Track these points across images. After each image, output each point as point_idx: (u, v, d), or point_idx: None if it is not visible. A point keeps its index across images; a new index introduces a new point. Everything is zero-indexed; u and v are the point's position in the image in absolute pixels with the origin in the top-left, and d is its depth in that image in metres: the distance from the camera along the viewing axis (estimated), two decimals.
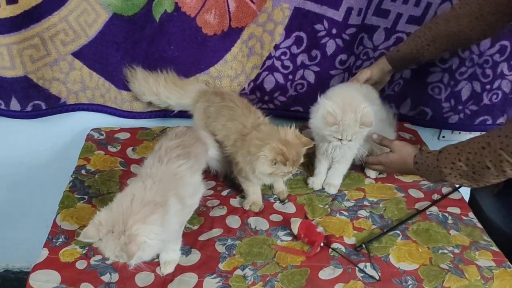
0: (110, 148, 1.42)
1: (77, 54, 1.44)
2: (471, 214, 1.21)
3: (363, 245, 1.07)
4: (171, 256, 1.02)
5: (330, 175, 1.30)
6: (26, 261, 1.86)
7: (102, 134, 1.49)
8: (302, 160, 1.13)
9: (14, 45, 1.37)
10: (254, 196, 1.20)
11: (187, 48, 1.44)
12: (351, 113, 1.12)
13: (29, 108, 1.51)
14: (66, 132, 1.60)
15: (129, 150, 1.41)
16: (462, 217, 1.20)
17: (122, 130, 1.52)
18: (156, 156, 1.03)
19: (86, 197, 1.21)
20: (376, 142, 1.25)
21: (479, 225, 1.17)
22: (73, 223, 1.11)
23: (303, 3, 1.40)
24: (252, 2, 1.38)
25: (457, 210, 1.22)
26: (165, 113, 1.57)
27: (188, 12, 1.38)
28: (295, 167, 1.11)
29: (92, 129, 1.52)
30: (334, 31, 1.45)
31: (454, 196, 1.26)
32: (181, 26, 1.40)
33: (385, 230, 1.13)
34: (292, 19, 1.42)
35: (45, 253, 1.03)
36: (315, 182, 1.30)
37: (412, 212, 1.20)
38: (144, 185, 0.94)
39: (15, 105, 1.49)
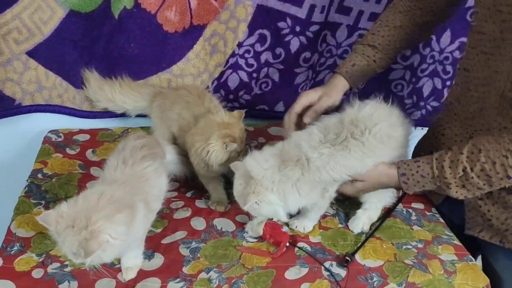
0: (68, 151, 1.36)
1: (32, 53, 1.38)
2: (434, 210, 1.23)
3: (349, 259, 1.03)
4: (133, 261, 0.99)
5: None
6: None
7: (60, 136, 1.43)
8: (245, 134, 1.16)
9: None
10: (216, 194, 1.19)
11: (147, 46, 1.40)
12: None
13: None
14: (22, 135, 1.52)
15: (89, 152, 1.37)
16: (426, 212, 1.22)
17: (82, 131, 1.47)
18: (120, 157, 0.99)
19: (43, 202, 1.16)
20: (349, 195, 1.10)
21: (441, 220, 1.19)
22: (29, 230, 1.06)
23: (266, 1, 1.39)
24: None
25: (420, 206, 1.23)
26: None
27: (148, 8, 1.34)
28: (243, 143, 1.12)
29: (49, 131, 1.46)
30: (297, 28, 1.44)
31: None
32: (141, 23, 1.36)
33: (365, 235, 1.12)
34: (255, 16, 1.41)
35: None
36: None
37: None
38: (112, 186, 0.91)
39: None
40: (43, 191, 1.19)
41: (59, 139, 1.42)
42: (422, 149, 1.25)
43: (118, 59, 1.41)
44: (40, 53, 1.38)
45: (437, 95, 1.64)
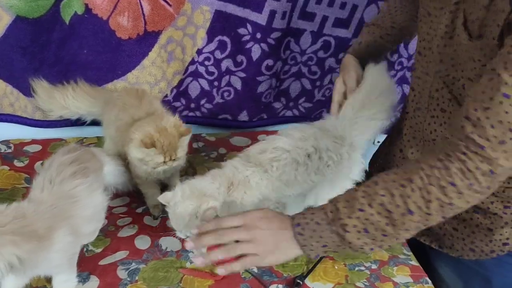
0: (16, 163, 1.30)
1: None
2: None
3: (301, 281, 0.97)
4: (65, 286, 0.93)
5: None
6: None
7: (10, 147, 1.37)
8: (182, 152, 1.08)
9: None
10: (153, 198, 1.14)
11: (101, 53, 1.34)
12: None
13: None
14: None
15: (37, 165, 1.30)
16: None
17: (34, 142, 1.41)
18: (47, 175, 0.93)
19: None
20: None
21: None
22: None
23: (224, 6, 1.33)
24: (169, 4, 1.29)
25: None
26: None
27: (99, 14, 1.28)
28: (168, 157, 1.06)
29: (0, 141, 1.40)
30: (258, 35, 1.38)
31: None
32: (93, 29, 1.30)
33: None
34: (214, 22, 1.35)
35: None
36: None
37: None
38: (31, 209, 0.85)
39: None
40: None
41: (9, 150, 1.36)
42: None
43: (70, 65, 1.35)
44: None
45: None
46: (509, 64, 0.69)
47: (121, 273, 0.98)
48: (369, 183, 0.81)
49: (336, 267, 1.03)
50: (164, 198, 0.96)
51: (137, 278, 0.98)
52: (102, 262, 1.01)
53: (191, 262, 1.03)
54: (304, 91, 1.56)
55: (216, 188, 0.97)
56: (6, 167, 1.28)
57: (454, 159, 0.74)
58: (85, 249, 1.03)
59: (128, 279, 0.97)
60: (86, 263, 0.99)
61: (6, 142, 1.39)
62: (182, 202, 0.93)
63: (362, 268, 1.03)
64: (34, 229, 0.81)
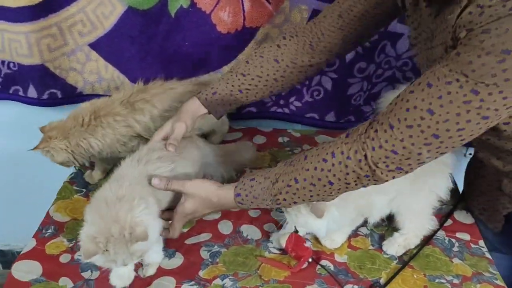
0: None
1: (93, 46, 1.45)
2: (481, 243, 1.11)
3: None
4: (153, 258, 1.00)
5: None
6: None
7: None
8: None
9: (32, 34, 1.40)
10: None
11: (201, 45, 1.41)
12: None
13: (45, 96, 1.53)
14: None
15: None
16: (471, 244, 1.11)
17: None
18: (136, 156, 1.01)
19: (84, 190, 1.22)
20: (161, 189, 0.98)
21: (487, 255, 1.08)
22: (64, 215, 1.12)
23: (322, 6, 1.34)
24: (268, 2, 1.33)
25: (466, 237, 1.13)
26: None
27: (203, 8, 1.35)
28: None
29: None
30: None
31: (466, 220, 1.17)
32: (197, 22, 1.37)
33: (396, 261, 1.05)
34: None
35: (32, 243, 1.04)
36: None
37: None
38: (113, 185, 0.93)
39: (32, 92, 1.53)
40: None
41: None
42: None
43: (173, 56, 1.44)
44: (101, 46, 1.45)
45: None
46: (450, 62, 0.72)
47: (204, 254, 1.04)
48: (298, 157, 0.89)
49: (415, 276, 1.01)
50: None
51: (217, 260, 1.03)
52: (187, 242, 1.07)
53: (269, 252, 1.06)
54: None
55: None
56: None
57: (366, 135, 0.81)
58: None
59: (210, 260, 1.02)
60: (173, 241, 1.06)
61: None
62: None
63: (443, 280, 1.00)
64: (127, 194, 0.90)
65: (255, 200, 0.92)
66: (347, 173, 0.83)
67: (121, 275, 0.95)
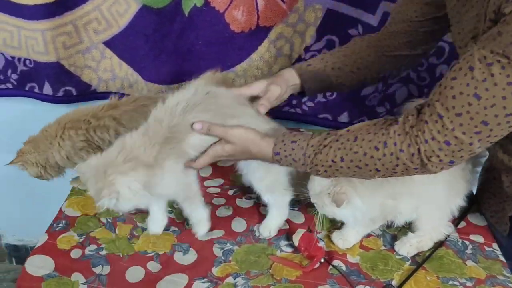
0: None
1: (108, 43, 1.47)
2: (495, 245, 1.10)
3: None
4: (197, 215, 1.04)
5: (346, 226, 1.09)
6: None
7: None
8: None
9: (48, 31, 1.41)
10: None
11: (214, 44, 1.42)
12: None
13: (60, 93, 1.55)
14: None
15: None
16: (485, 247, 1.10)
17: None
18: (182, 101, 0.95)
19: None
20: (202, 133, 0.94)
21: (501, 258, 1.07)
22: (76, 210, 1.13)
23: (337, 5, 1.34)
24: (282, 1, 1.33)
25: (480, 239, 1.12)
26: None
27: (217, 7, 1.36)
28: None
29: None
30: None
31: (479, 222, 1.16)
32: (210, 21, 1.38)
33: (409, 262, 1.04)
34: (325, 21, 1.37)
35: (44, 238, 1.05)
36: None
37: None
38: (139, 137, 0.93)
39: (47, 89, 1.55)
40: None
41: None
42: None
43: (186, 55, 1.45)
44: (116, 44, 1.46)
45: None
46: (487, 43, 0.71)
47: (217, 251, 1.04)
48: (347, 135, 0.87)
49: (428, 278, 1.00)
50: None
51: (230, 258, 1.03)
52: (201, 238, 1.07)
53: (281, 251, 1.06)
54: (411, 97, 1.51)
55: None
56: None
57: (417, 128, 0.79)
58: (185, 223, 1.10)
59: (223, 258, 1.03)
60: (187, 236, 1.07)
61: None
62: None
63: (456, 283, 0.99)
64: (145, 159, 0.91)
65: (294, 162, 0.92)
66: (397, 165, 0.82)
67: (155, 220, 1.04)
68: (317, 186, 0.99)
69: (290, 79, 1.07)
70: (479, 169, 1.15)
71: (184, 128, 0.94)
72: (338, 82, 1.10)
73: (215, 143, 0.97)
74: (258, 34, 1.38)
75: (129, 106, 1.19)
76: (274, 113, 1.54)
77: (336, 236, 1.07)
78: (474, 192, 1.22)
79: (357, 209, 0.98)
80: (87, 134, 1.14)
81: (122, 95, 1.43)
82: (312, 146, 0.90)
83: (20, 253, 2.12)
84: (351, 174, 0.89)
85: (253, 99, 1.04)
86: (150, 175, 0.91)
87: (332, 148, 0.87)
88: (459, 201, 1.08)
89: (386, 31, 1.12)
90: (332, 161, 0.87)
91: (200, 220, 1.05)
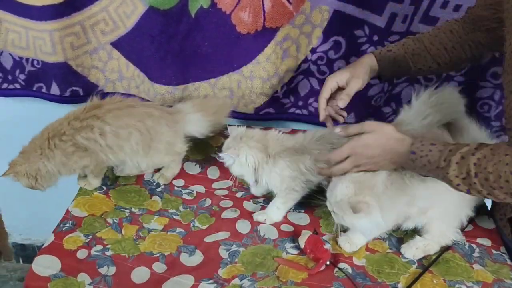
0: None
1: (115, 44, 1.47)
2: (502, 249, 1.09)
3: None
4: (272, 211, 1.15)
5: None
6: None
7: None
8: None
9: (56, 32, 1.42)
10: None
11: (221, 45, 1.42)
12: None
13: (67, 94, 1.56)
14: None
15: None
16: (492, 250, 1.09)
17: None
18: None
19: (104, 187, 1.23)
20: (343, 136, 1.03)
21: (509, 262, 1.06)
22: (83, 211, 1.13)
23: (343, 6, 1.33)
24: (289, 2, 1.33)
25: (487, 242, 1.11)
26: None
27: (223, 8, 1.35)
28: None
29: None
30: (375, 38, 1.37)
31: (487, 225, 1.15)
32: (217, 22, 1.38)
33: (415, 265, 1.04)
34: (331, 22, 1.36)
35: (51, 238, 1.05)
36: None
37: None
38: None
39: (55, 89, 1.55)
40: (105, 177, 1.25)
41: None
42: None
43: (192, 57, 1.45)
44: (123, 45, 1.46)
45: None
46: None
47: (223, 253, 1.04)
48: (486, 153, 0.85)
49: (434, 281, 0.99)
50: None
51: (236, 260, 1.03)
52: (207, 239, 1.08)
53: (287, 253, 1.06)
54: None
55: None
56: None
57: None
58: (192, 225, 1.11)
59: (229, 259, 1.03)
60: (193, 237, 1.07)
61: None
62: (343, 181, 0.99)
63: (463, 286, 0.99)
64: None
65: (428, 164, 0.90)
66: None
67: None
68: (339, 194, 0.98)
69: (370, 67, 1.12)
70: None
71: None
72: (416, 68, 1.14)
73: (347, 142, 1.01)
74: (265, 35, 1.38)
75: (114, 105, 1.20)
76: (281, 115, 1.56)
77: (343, 240, 1.07)
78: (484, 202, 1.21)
79: (375, 222, 0.97)
80: (73, 138, 1.14)
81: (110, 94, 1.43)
82: (449, 149, 0.89)
83: (27, 252, 2.13)
84: (483, 193, 0.87)
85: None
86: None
87: (468, 162, 0.86)
88: (468, 211, 1.09)
89: (470, 15, 1.12)
90: (467, 173, 0.86)
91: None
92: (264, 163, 1.12)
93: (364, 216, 0.95)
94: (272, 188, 1.16)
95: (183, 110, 1.31)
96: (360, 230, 1.03)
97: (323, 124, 1.53)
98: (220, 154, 1.11)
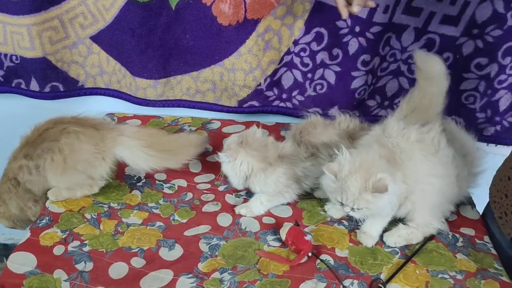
0: None
1: (95, 38, 1.44)
2: (486, 238, 1.09)
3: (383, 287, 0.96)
4: (255, 204, 1.15)
5: (367, 223, 1.07)
6: None
7: (114, 119, 1.49)
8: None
9: (33, 26, 1.39)
10: None
11: (202, 38, 1.40)
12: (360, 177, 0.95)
13: (47, 89, 1.53)
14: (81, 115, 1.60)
15: None
16: (476, 239, 1.08)
17: (135, 117, 1.52)
18: None
19: None
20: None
21: (493, 251, 1.05)
22: (60, 207, 1.11)
23: None
24: None
25: (471, 232, 1.10)
26: (178, 103, 1.54)
27: (204, 0, 1.34)
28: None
29: (106, 114, 1.52)
30: (357, 28, 1.36)
31: (471, 215, 1.15)
32: (197, 14, 1.36)
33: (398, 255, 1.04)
34: (313, 13, 1.35)
35: (27, 234, 1.03)
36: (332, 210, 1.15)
37: None
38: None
39: (34, 85, 1.52)
40: None
41: (113, 122, 1.47)
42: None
43: (173, 49, 1.43)
44: (103, 39, 1.44)
45: None
46: None
47: (203, 246, 1.03)
48: None
49: (417, 272, 0.98)
50: (330, 169, 0.98)
51: (217, 253, 1.01)
52: (187, 233, 1.06)
53: (269, 245, 1.04)
54: (402, 90, 1.50)
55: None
56: None
57: None
58: (172, 219, 1.09)
59: (209, 253, 1.01)
60: (173, 231, 1.05)
61: (111, 115, 1.51)
62: (350, 176, 0.95)
63: (446, 276, 0.98)
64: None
65: None
66: None
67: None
68: (354, 189, 0.94)
69: None
70: (478, 169, 1.14)
71: None
72: None
73: None
74: (246, 27, 1.36)
75: (34, 134, 1.16)
76: (265, 108, 1.55)
77: (362, 237, 1.06)
78: (468, 197, 1.20)
79: (397, 192, 0.97)
80: (27, 162, 1.11)
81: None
82: None
83: (9, 252, 2.09)
84: None
85: None
86: None
87: None
88: (450, 207, 1.09)
89: None
90: None
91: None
92: (261, 172, 1.11)
93: (389, 191, 0.93)
94: (262, 192, 1.15)
95: (119, 129, 1.16)
96: (385, 210, 1.00)
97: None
98: (219, 154, 1.10)
